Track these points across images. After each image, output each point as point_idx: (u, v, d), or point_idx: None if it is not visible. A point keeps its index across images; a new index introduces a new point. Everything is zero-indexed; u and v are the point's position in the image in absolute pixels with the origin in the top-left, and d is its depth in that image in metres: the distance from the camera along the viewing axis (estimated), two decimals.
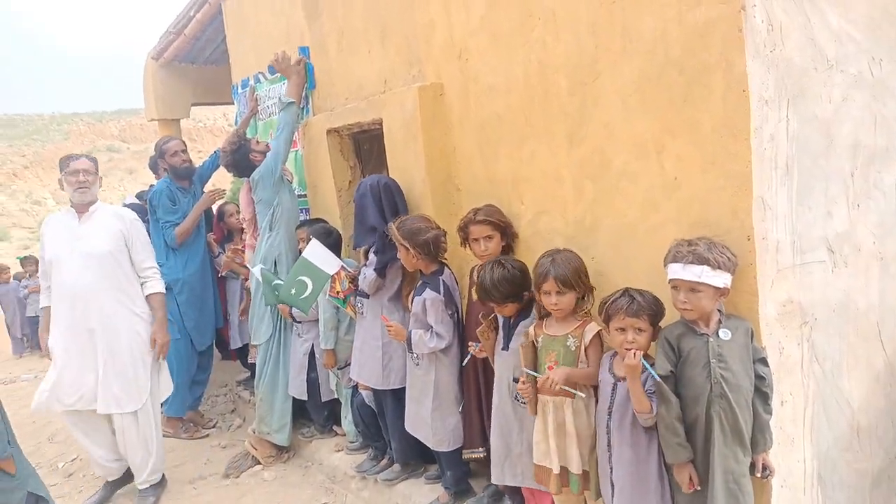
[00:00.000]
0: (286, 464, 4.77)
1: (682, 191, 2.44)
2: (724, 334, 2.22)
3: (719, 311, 2.28)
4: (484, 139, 3.33)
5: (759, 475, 2.27)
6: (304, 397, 4.59)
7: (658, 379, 2.25)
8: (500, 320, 3.01)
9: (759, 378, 2.24)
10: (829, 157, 2.56)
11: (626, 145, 2.62)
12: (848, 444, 2.70)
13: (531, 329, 2.79)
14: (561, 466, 2.62)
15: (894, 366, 2.94)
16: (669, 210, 2.50)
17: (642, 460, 2.37)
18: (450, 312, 3.31)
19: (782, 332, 2.37)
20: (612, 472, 2.43)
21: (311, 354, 4.51)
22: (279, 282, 4.27)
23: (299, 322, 4.50)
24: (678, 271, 2.21)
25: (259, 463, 4.76)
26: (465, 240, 3.23)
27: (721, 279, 2.17)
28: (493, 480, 3.03)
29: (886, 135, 2.85)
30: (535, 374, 2.66)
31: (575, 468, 2.58)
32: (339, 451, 4.49)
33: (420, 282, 3.42)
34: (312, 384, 4.55)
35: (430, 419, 3.33)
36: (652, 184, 2.55)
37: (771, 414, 2.26)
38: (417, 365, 3.41)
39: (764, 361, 2.25)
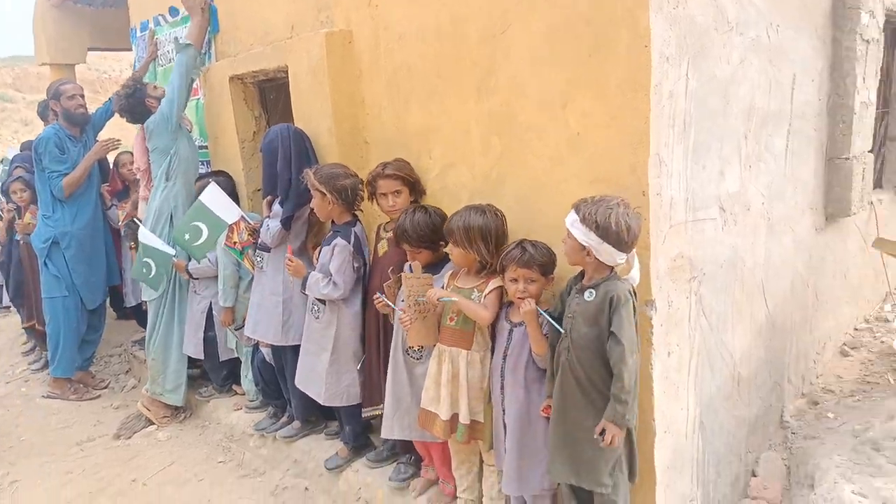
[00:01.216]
0: (182, 424, 4.62)
1: (586, 146, 2.46)
2: (588, 295, 2.24)
3: (612, 272, 2.26)
4: (394, 90, 3.24)
5: (596, 434, 2.20)
6: (201, 356, 4.42)
7: (551, 321, 2.32)
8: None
9: (610, 353, 2.17)
10: (726, 118, 2.65)
11: (533, 99, 2.61)
12: (729, 392, 2.86)
13: (446, 276, 2.79)
14: (452, 414, 2.64)
15: (775, 320, 3.13)
16: (574, 165, 2.52)
17: (533, 402, 2.45)
18: (356, 265, 3.24)
19: (672, 285, 2.45)
20: (504, 413, 2.49)
21: (209, 312, 4.33)
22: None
23: (196, 279, 4.30)
24: (567, 216, 2.25)
25: (153, 423, 4.58)
26: (373, 194, 3.16)
27: (584, 236, 2.15)
28: (383, 434, 3.03)
29: (780, 99, 2.99)
30: (421, 299, 2.68)
31: (463, 417, 2.61)
32: (238, 409, 4.37)
33: (331, 232, 3.32)
34: (210, 343, 4.38)
35: (326, 374, 3.27)
36: (557, 138, 2.55)
37: (620, 392, 2.13)
38: (317, 319, 3.33)
39: (615, 338, 2.13)
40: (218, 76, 4.36)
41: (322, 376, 3.31)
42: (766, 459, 3.03)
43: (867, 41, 3.35)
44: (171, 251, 4.10)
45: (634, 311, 2.19)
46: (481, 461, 2.82)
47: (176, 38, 4.54)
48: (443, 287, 2.75)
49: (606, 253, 2.15)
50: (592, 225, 2.12)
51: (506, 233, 2.68)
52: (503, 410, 2.50)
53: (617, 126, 2.35)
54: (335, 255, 3.17)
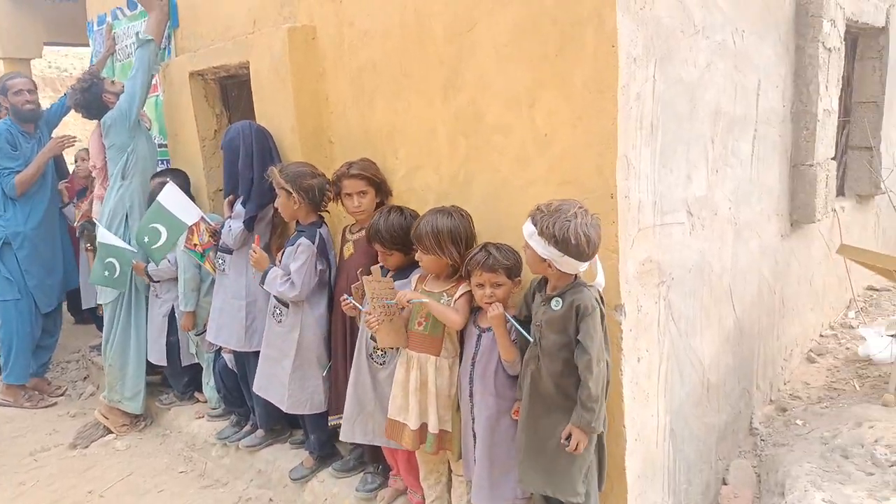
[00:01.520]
0: (142, 432, 4.46)
1: (553, 147, 2.41)
2: (555, 304, 2.18)
3: (577, 279, 2.20)
4: (359, 88, 3.16)
5: (562, 439, 2.16)
6: (164, 363, 4.27)
7: (519, 329, 2.26)
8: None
9: (577, 361, 2.13)
10: (692, 122, 2.62)
11: (499, 98, 2.55)
12: (698, 399, 2.82)
13: (414, 278, 2.71)
14: (421, 423, 2.56)
15: (743, 326, 3.11)
16: (540, 167, 2.46)
17: (503, 409, 2.38)
18: (320, 268, 3.14)
19: (641, 289, 2.41)
20: (473, 422, 2.42)
21: (171, 316, 4.19)
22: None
23: (156, 282, 4.16)
24: (524, 224, 2.18)
25: (111, 432, 4.41)
26: (338, 194, 3.07)
27: (543, 249, 2.07)
28: (342, 437, 2.93)
29: (745, 104, 2.97)
30: (389, 302, 2.60)
31: (432, 427, 2.53)
32: (199, 418, 4.23)
33: (295, 232, 3.22)
34: (171, 349, 4.23)
35: (289, 380, 3.17)
36: (524, 139, 2.50)
37: (587, 400, 2.09)
38: (279, 322, 3.22)
39: (582, 348, 2.09)
40: (178, 72, 4.22)
41: (285, 383, 3.20)
42: (737, 467, 3.01)
43: (829, 49, 3.36)
44: (134, 249, 3.96)
45: (602, 317, 2.14)
46: (450, 471, 2.74)
47: (136, 33, 4.39)
48: (413, 287, 2.69)
49: (567, 265, 2.10)
50: (550, 239, 2.04)
51: (474, 234, 2.61)
52: (472, 418, 2.43)
53: (583, 126, 2.30)
54: (297, 255, 3.08)
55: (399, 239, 2.74)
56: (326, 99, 3.37)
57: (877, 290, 4.56)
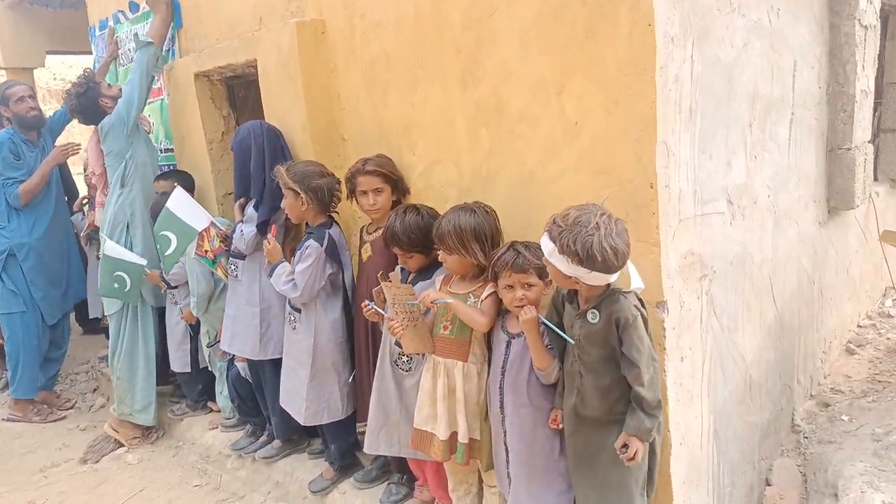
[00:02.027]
0: (154, 445, 4.33)
1: (584, 135, 2.26)
2: (592, 317, 2.01)
3: (610, 287, 2.01)
4: (371, 81, 3.02)
5: (617, 447, 2.01)
6: (188, 369, 4.15)
7: (557, 330, 2.10)
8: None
9: (626, 373, 1.98)
10: (731, 105, 2.47)
11: (524, 86, 2.40)
12: (741, 397, 2.67)
13: (438, 279, 2.57)
14: (450, 432, 2.42)
15: (783, 319, 2.96)
16: (570, 156, 2.31)
17: (539, 421, 2.21)
18: (329, 271, 3.00)
19: (683, 284, 2.26)
20: (506, 435, 2.26)
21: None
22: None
23: (174, 287, 4.02)
24: (542, 238, 1.99)
25: (123, 446, 4.29)
26: (352, 192, 2.94)
27: (567, 267, 1.88)
28: (366, 449, 2.79)
29: (781, 86, 2.82)
30: (412, 304, 2.46)
31: (462, 436, 2.39)
32: (213, 428, 4.10)
33: (305, 235, 3.08)
34: (192, 355, 4.12)
35: (306, 390, 3.03)
36: (552, 128, 2.35)
37: (647, 408, 1.95)
38: (294, 329, 3.09)
39: (628, 361, 1.94)
40: (182, 73, 4.09)
41: (302, 393, 3.07)
42: (780, 466, 2.86)
43: (865, 27, 3.20)
44: (143, 261, 3.84)
45: (645, 322, 1.98)
46: (480, 481, 2.60)
47: (136, 35, 4.26)
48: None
49: (596, 279, 1.91)
50: (573, 256, 1.84)
51: (500, 231, 2.47)
52: (504, 431, 2.27)
53: (619, 112, 2.15)
54: (304, 257, 2.94)
55: (418, 240, 2.59)
56: (338, 95, 3.23)
57: None
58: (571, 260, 1.84)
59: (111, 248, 3.87)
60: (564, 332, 2.08)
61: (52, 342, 4.97)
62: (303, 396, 3.06)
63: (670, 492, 2.25)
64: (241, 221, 3.36)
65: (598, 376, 2.02)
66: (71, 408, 5.05)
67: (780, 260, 2.89)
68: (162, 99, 4.67)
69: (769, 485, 2.83)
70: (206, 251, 3.45)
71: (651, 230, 2.13)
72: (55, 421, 4.86)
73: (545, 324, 2.13)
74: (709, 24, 2.30)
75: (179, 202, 3.44)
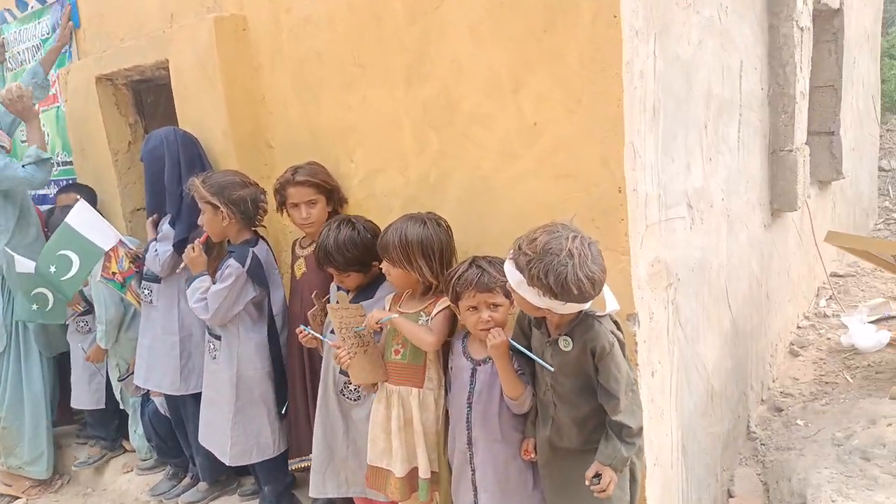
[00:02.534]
0: (58, 493, 3.84)
1: (545, 137, 2.09)
2: (564, 344, 1.82)
3: (583, 312, 1.81)
4: (301, 83, 2.75)
5: (587, 481, 1.82)
6: (101, 405, 3.68)
7: (536, 359, 1.87)
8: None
9: (604, 403, 1.80)
10: (689, 104, 2.38)
11: (476, 84, 2.21)
12: (704, 409, 2.57)
13: (388, 300, 2.32)
14: (410, 468, 2.18)
15: (737, 325, 2.90)
16: (530, 160, 2.14)
17: (511, 455, 2.00)
18: (253, 294, 2.70)
19: (651, 294, 2.12)
20: (473, 473, 2.03)
21: None
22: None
23: (85, 313, 3.57)
24: (505, 264, 1.79)
25: (19, 498, 3.77)
26: (282, 204, 2.66)
27: (538, 300, 1.68)
28: (312, 493, 2.51)
29: (731, 87, 2.76)
30: (359, 329, 2.21)
31: (423, 471, 2.15)
32: (128, 472, 3.66)
33: (226, 253, 2.76)
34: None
35: (231, 426, 2.71)
36: (508, 129, 2.17)
37: (628, 436, 1.78)
38: (214, 359, 2.76)
39: (606, 393, 1.76)
40: (81, 78, 3.67)
41: (226, 430, 2.74)
42: (741, 476, 2.79)
43: (802, 29, 3.22)
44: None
45: (622, 347, 1.80)
46: None
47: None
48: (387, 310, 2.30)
49: (570, 309, 1.72)
50: (545, 290, 1.63)
51: (452, 246, 2.25)
52: (472, 469, 2.03)
53: (582, 112, 2.00)
54: (222, 278, 2.65)
55: (354, 258, 2.35)
56: (263, 98, 2.94)
57: (841, 276, 4.51)
58: (543, 293, 1.63)
59: (22, 263, 3.33)
60: (542, 360, 1.86)
61: None
62: (227, 434, 2.73)
63: None
64: (155, 240, 3.00)
65: (574, 407, 1.84)
66: None
67: (734, 265, 2.83)
68: (58, 106, 4.21)
69: (731, 496, 2.74)
70: (114, 273, 3.06)
71: (620, 237, 1.98)
72: None
73: (518, 350, 1.91)
74: (669, 19, 2.19)
75: (82, 217, 3.02)
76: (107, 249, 3.01)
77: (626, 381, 1.75)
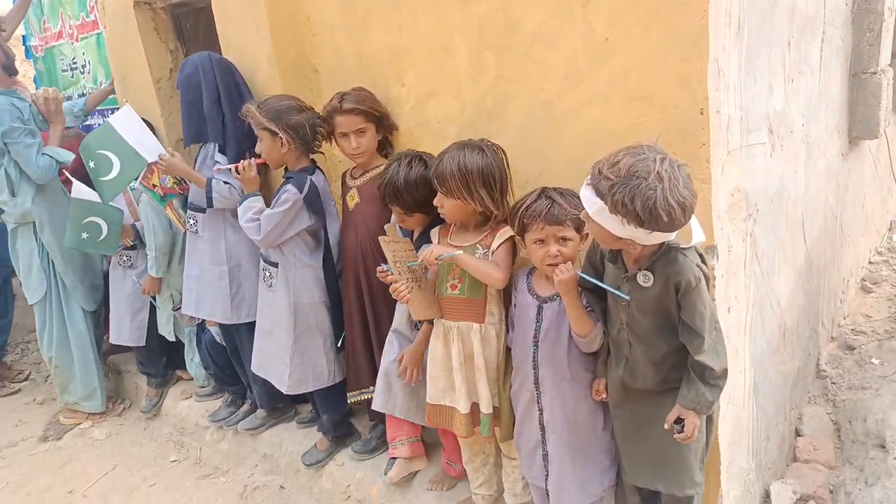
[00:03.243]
0: (121, 417, 3.99)
1: (616, 56, 1.91)
2: (644, 279, 1.68)
3: (665, 244, 1.67)
4: (348, 4, 2.59)
5: (667, 426, 1.75)
6: (142, 343, 3.72)
7: (608, 288, 1.76)
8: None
9: (687, 343, 1.69)
10: (773, 19, 2.16)
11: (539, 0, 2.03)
12: (776, 346, 2.46)
13: (434, 233, 2.23)
14: (471, 403, 2.14)
15: (812, 260, 2.74)
16: (598, 82, 1.97)
17: (580, 396, 1.93)
18: (309, 223, 2.64)
19: (730, 226, 1.98)
20: (541, 413, 1.97)
21: None
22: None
23: (130, 248, 3.58)
24: (581, 190, 1.63)
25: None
26: (330, 134, 2.55)
27: (621, 229, 1.53)
28: (375, 406, 2.47)
29: (815, 2, 2.51)
30: (413, 264, 2.13)
31: (486, 406, 2.11)
32: (186, 398, 3.76)
33: (283, 180, 2.69)
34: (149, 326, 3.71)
35: (289, 355, 2.71)
36: (575, 49, 1.99)
37: (711, 378, 1.68)
38: (270, 287, 2.74)
39: (690, 331, 1.65)
40: (119, 2, 3.56)
41: (284, 359, 2.75)
42: (810, 416, 2.69)
43: None
44: (151, 157, 2.96)
45: (707, 282, 1.67)
46: (497, 451, 2.34)
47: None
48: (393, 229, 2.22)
49: (655, 239, 1.58)
50: (632, 217, 1.48)
51: (508, 175, 2.13)
52: (539, 409, 1.98)
53: (661, 26, 1.81)
54: (278, 202, 2.58)
55: (424, 199, 2.23)
56: (307, 20, 2.79)
57: None
58: (627, 221, 1.49)
59: (80, 189, 3.27)
60: (615, 289, 1.74)
61: None
62: (286, 362, 2.74)
63: (718, 455, 2.01)
64: (213, 178, 2.89)
65: (651, 346, 1.74)
66: (25, 380, 4.65)
67: (811, 196, 2.64)
68: (98, 33, 4.13)
69: (799, 435, 2.66)
70: (155, 186, 2.98)
71: (701, 164, 1.82)
72: (8, 395, 4.46)
73: (590, 281, 1.80)
74: None
75: (126, 122, 2.91)
76: (150, 161, 2.94)
77: (710, 318, 1.64)
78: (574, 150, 2.05)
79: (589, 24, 1.94)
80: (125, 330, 3.69)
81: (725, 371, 1.68)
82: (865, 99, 2.96)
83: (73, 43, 4.61)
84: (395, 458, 2.60)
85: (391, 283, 2.12)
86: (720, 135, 1.85)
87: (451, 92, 2.36)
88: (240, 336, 3.12)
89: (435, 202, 2.14)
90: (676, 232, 1.59)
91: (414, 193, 2.22)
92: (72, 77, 4.78)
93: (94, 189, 3.11)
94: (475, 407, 2.12)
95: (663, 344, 1.73)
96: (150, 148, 2.94)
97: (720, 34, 1.80)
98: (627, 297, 1.72)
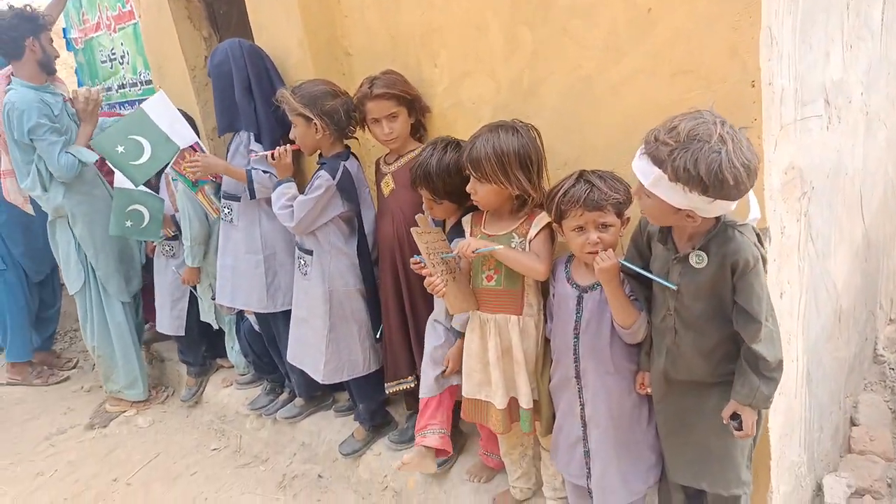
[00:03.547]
0: (164, 405, 4.05)
1: (660, 26, 1.81)
2: (697, 260, 1.58)
3: (720, 220, 1.58)
4: None
5: (725, 421, 1.68)
6: (181, 332, 3.75)
7: (654, 278, 1.67)
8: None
9: (741, 330, 1.59)
10: None
11: None
12: (831, 332, 2.33)
13: (466, 221, 2.16)
14: (509, 398, 2.07)
15: (870, 237, 2.59)
16: (640, 56, 1.86)
17: (625, 389, 1.85)
18: (342, 209, 2.60)
19: (784, 206, 1.86)
20: (582, 408, 1.90)
21: None
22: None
23: (172, 238, 3.60)
24: (634, 162, 1.54)
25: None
26: (363, 121, 2.50)
27: (682, 198, 1.44)
28: (422, 393, 2.40)
29: None
30: (448, 256, 2.05)
31: (525, 401, 2.03)
32: (227, 386, 3.79)
33: (317, 167, 2.65)
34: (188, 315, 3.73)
35: (325, 344, 2.68)
36: (615, 21, 1.89)
37: (765, 370, 1.59)
38: (305, 275, 2.71)
39: (746, 315, 1.55)
40: None
41: (320, 347, 2.72)
42: (866, 403, 2.56)
43: None
44: (184, 143, 2.93)
45: (764, 263, 1.57)
46: (535, 442, 2.28)
47: None
48: (468, 234, 2.13)
49: (716, 211, 1.49)
50: (695, 183, 1.38)
51: (544, 155, 2.04)
52: (580, 403, 1.90)
53: None
54: (311, 189, 2.54)
55: (455, 186, 2.15)
56: (338, 1, 2.73)
57: None
58: (691, 188, 1.39)
59: (121, 178, 3.25)
60: (661, 278, 1.66)
61: (42, 301, 4.60)
62: (321, 351, 2.71)
63: (768, 449, 1.92)
64: (254, 159, 2.87)
65: (701, 335, 1.64)
66: (73, 367, 4.75)
67: (870, 169, 2.49)
68: (135, 23, 4.13)
69: (855, 424, 2.53)
70: (186, 170, 2.97)
71: (753, 140, 1.70)
72: (57, 383, 4.56)
73: (633, 270, 1.70)
74: None
75: (159, 109, 2.88)
76: (182, 147, 2.92)
77: (767, 303, 1.54)
78: (615, 131, 1.96)
79: None
80: (165, 318, 3.73)
81: (781, 363, 1.58)
82: None
83: (111, 34, 4.63)
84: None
85: (426, 276, 2.05)
86: (773, 109, 1.74)
87: (486, 71, 2.28)
88: (276, 325, 3.11)
89: (468, 188, 2.06)
90: (736, 204, 1.49)
91: (445, 179, 2.15)
92: (111, 68, 4.82)
93: (121, 166, 3.06)
94: (513, 402, 2.05)
95: (714, 332, 1.63)
96: (183, 134, 2.91)
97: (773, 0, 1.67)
98: (675, 286, 1.62)
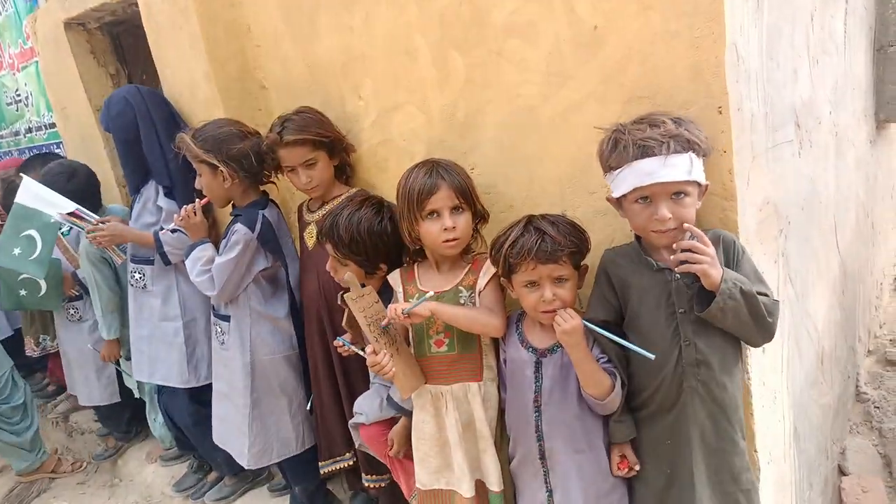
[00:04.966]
0: (84, 485, 3.58)
1: (609, 45, 1.55)
2: None
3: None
4: (293, 6, 2.23)
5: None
6: (117, 398, 3.31)
7: (629, 346, 1.40)
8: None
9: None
10: None
11: None
12: (815, 377, 2.09)
13: (394, 278, 1.84)
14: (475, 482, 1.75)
15: (846, 267, 2.37)
16: (590, 79, 1.61)
17: (601, 471, 1.55)
18: (265, 265, 2.27)
19: (761, 249, 1.62)
20: (550, 494, 1.59)
21: None
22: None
23: (76, 298, 3.19)
24: (656, 170, 1.31)
25: (54, 479, 3.54)
26: (278, 168, 2.18)
27: (700, 169, 1.37)
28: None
29: None
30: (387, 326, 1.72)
31: (496, 483, 1.71)
32: (152, 462, 3.36)
33: (231, 218, 2.32)
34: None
35: (247, 422, 2.32)
36: (558, 40, 1.63)
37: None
38: (223, 344, 2.35)
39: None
40: (49, 24, 3.20)
41: (242, 428, 2.35)
42: (854, 449, 2.33)
43: None
44: (65, 209, 2.62)
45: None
46: None
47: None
48: (401, 295, 1.81)
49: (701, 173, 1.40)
50: (698, 146, 1.34)
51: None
52: (547, 487, 1.59)
53: (663, 5, 1.45)
54: (228, 246, 2.20)
55: (362, 248, 1.87)
56: (248, 29, 2.43)
57: None
58: (698, 153, 1.35)
59: (25, 192, 2.70)
60: (637, 346, 1.38)
61: None
62: (244, 431, 2.35)
63: None
64: (161, 226, 2.53)
65: (724, 354, 1.43)
66: None
67: (843, 193, 2.29)
68: (37, 61, 3.77)
69: (844, 474, 2.29)
70: (93, 242, 2.63)
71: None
72: None
73: (597, 331, 1.43)
74: None
75: (30, 192, 2.61)
76: (59, 217, 2.59)
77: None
78: (565, 164, 1.69)
79: (572, 8, 1.58)
80: (94, 390, 3.28)
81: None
82: (892, 76, 2.60)
83: (14, 73, 4.25)
84: None
85: (371, 356, 1.68)
86: (743, 137, 1.49)
87: (416, 103, 2.00)
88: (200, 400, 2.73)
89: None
90: None
91: (354, 236, 1.85)
92: (17, 111, 4.42)
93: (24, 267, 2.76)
94: (480, 485, 1.73)
95: (734, 369, 1.46)
96: (59, 205, 2.60)
97: (737, 11, 1.44)
98: (652, 356, 1.34)
